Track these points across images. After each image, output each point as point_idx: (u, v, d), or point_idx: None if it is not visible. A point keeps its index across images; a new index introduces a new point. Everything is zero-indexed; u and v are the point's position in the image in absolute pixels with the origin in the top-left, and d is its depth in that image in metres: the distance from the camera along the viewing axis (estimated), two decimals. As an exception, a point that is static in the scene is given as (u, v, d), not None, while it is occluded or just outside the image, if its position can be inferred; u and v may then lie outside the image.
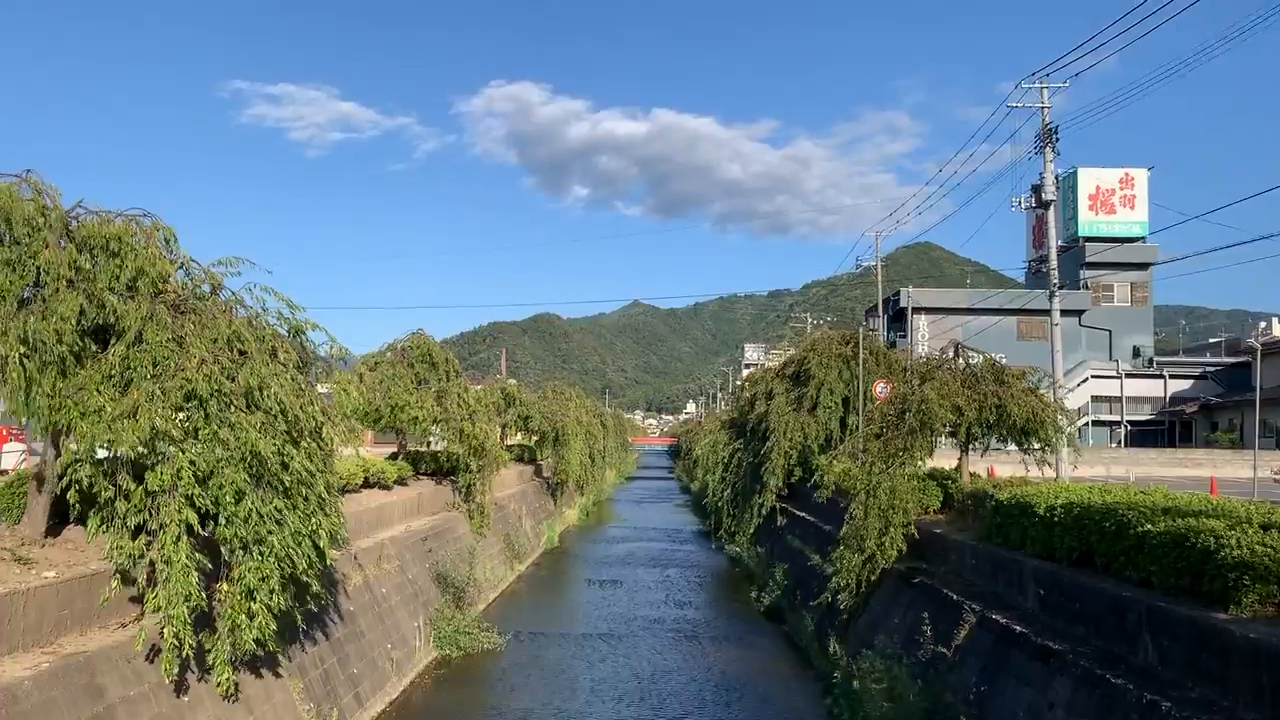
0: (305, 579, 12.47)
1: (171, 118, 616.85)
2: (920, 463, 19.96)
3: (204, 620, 11.47)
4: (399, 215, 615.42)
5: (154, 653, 10.88)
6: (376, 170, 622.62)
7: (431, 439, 30.76)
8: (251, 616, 11.35)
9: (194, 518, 10.86)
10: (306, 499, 12.42)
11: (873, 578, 18.72)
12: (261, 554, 11.45)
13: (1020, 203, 28.49)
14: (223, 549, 11.47)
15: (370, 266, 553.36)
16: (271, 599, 11.47)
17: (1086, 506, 13.05)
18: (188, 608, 10.59)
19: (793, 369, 35.84)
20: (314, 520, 12.44)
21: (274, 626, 11.68)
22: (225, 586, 11.54)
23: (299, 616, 14.03)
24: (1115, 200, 71.46)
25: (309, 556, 12.27)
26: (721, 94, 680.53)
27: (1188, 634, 9.74)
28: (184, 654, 10.68)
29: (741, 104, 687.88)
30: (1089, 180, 70.82)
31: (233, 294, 13.68)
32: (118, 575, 10.97)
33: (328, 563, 13.08)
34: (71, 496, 11.25)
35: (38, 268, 11.68)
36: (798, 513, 32.18)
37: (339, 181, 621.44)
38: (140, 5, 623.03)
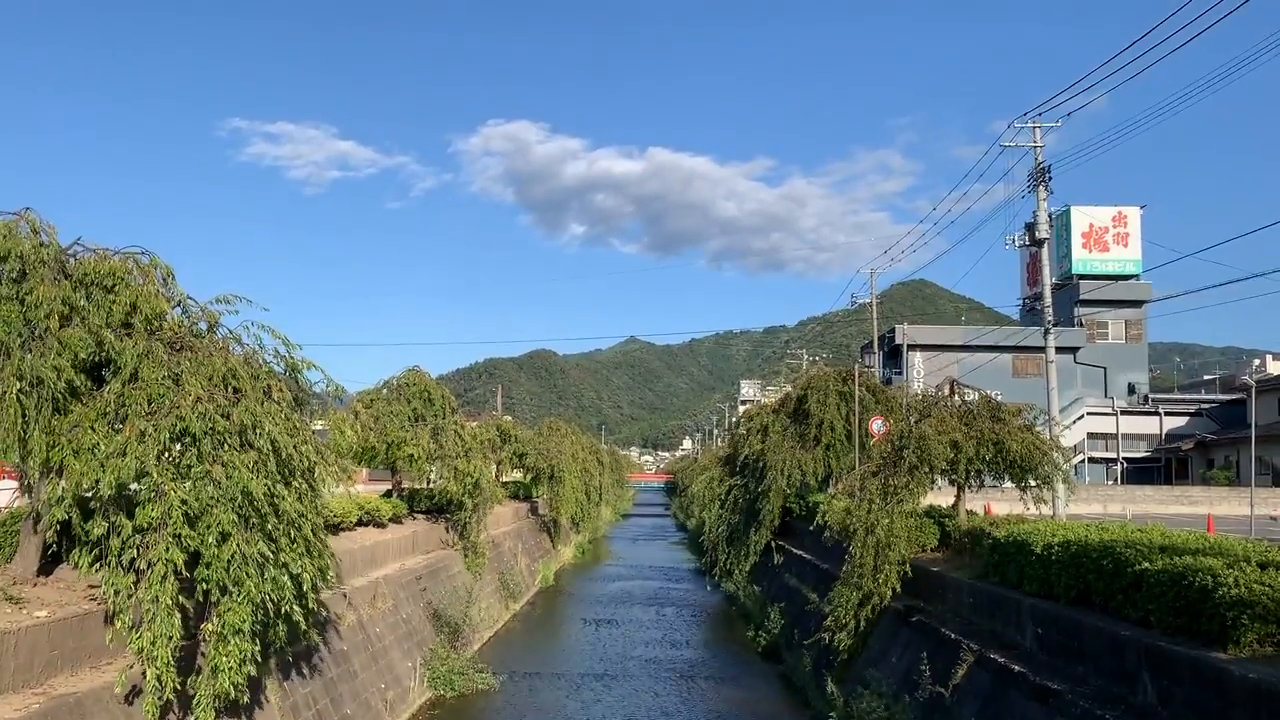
0: (291, 621, 12.28)
1: (171, 156, 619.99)
2: (918, 500, 19.90)
3: (191, 661, 11.33)
4: (396, 253, 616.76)
5: (138, 694, 10.71)
6: (374, 208, 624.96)
7: (430, 476, 30.62)
8: (229, 659, 11.16)
9: (179, 558, 10.73)
10: (294, 541, 12.27)
11: (870, 616, 18.60)
12: (238, 599, 11.21)
13: (1014, 240, 28.69)
14: (198, 588, 11.31)
15: (367, 303, 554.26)
16: (243, 644, 11.20)
17: (1084, 544, 13.00)
18: (170, 649, 10.43)
19: (791, 406, 35.80)
20: (299, 563, 12.29)
21: (250, 671, 11.45)
22: (208, 628, 11.37)
23: (290, 656, 13.88)
24: (1109, 238, 71.98)
25: (290, 599, 12.09)
26: (717, 133, 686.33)
27: (1187, 673, 9.68)
28: (165, 697, 10.46)
29: (736, 143, 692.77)
30: (1082, 218, 71.34)
31: (229, 331, 13.71)
32: (118, 614, 10.79)
33: (309, 605, 12.84)
34: (49, 536, 11.16)
35: (33, 304, 11.70)
36: (795, 550, 32.02)
37: (336, 219, 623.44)
38: (139, 44, 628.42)
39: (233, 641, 11.14)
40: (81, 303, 12.22)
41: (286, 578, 11.97)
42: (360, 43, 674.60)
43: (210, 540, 11.07)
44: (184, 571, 10.91)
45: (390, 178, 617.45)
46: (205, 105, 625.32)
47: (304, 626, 12.73)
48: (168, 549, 10.65)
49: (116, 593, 10.71)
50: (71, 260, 12.68)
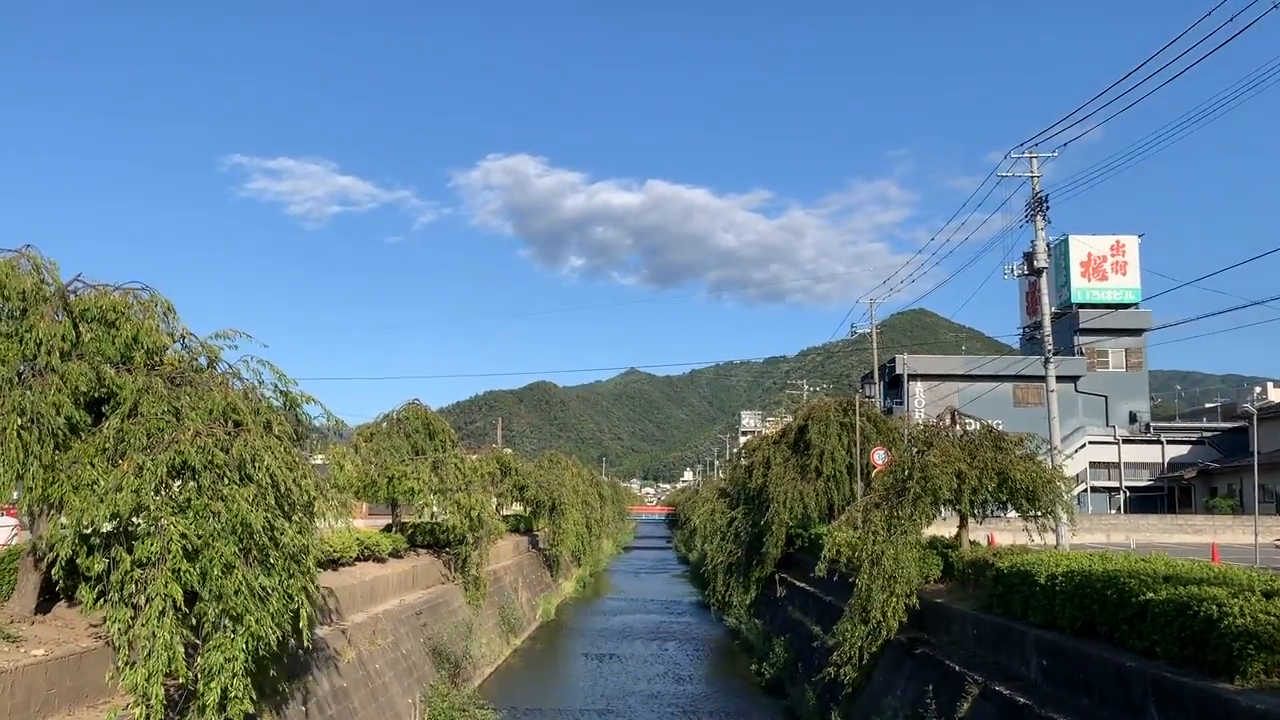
0: (287, 656, 12.14)
1: (173, 192, 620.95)
2: (920, 531, 19.81)
3: (188, 698, 11.20)
4: (396, 286, 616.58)
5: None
6: (375, 242, 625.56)
7: (433, 510, 30.48)
8: (226, 695, 11.01)
9: (178, 592, 10.65)
10: (293, 575, 12.18)
11: (874, 649, 18.45)
12: (235, 632, 11.09)
13: (1012, 270, 28.76)
14: (192, 620, 11.20)
15: (367, 338, 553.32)
16: (236, 681, 11.03)
17: (1087, 575, 12.93)
18: (164, 687, 10.31)
19: (792, 436, 35.74)
20: (299, 598, 12.18)
21: (248, 708, 11.29)
22: (202, 662, 11.25)
23: (288, 693, 13.72)
24: (1107, 267, 72.16)
25: (287, 632, 11.95)
26: (715, 165, 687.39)
27: (1194, 705, 9.58)
28: None
29: (734, 175, 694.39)
30: (1080, 247, 71.56)
31: (229, 366, 13.73)
32: (119, 650, 10.67)
33: (304, 642, 12.70)
34: (56, 572, 11.09)
35: (35, 341, 11.73)
36: (797, 583, 31.84)
37: (337, 254, 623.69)
38: (140, 81, 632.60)
39: (227, 676, 11.01)
40: (86, 338, 12.27)
41: (289, 610, 11.87)
42: (360, 78, 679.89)
43: (216, 572, 10.99)
44: (184, 607, 10.83)
45: (390, 212, 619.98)
46: (207, 141, 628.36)
47: (271, 672, 12.41)
48: (166, 584, 10.58)
49: (120, 630, 10.62)
50: (72, 296, 12.74)
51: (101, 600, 11.05)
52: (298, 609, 12.12)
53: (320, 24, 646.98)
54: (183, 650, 10.54)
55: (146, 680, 10.20)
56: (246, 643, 11.11)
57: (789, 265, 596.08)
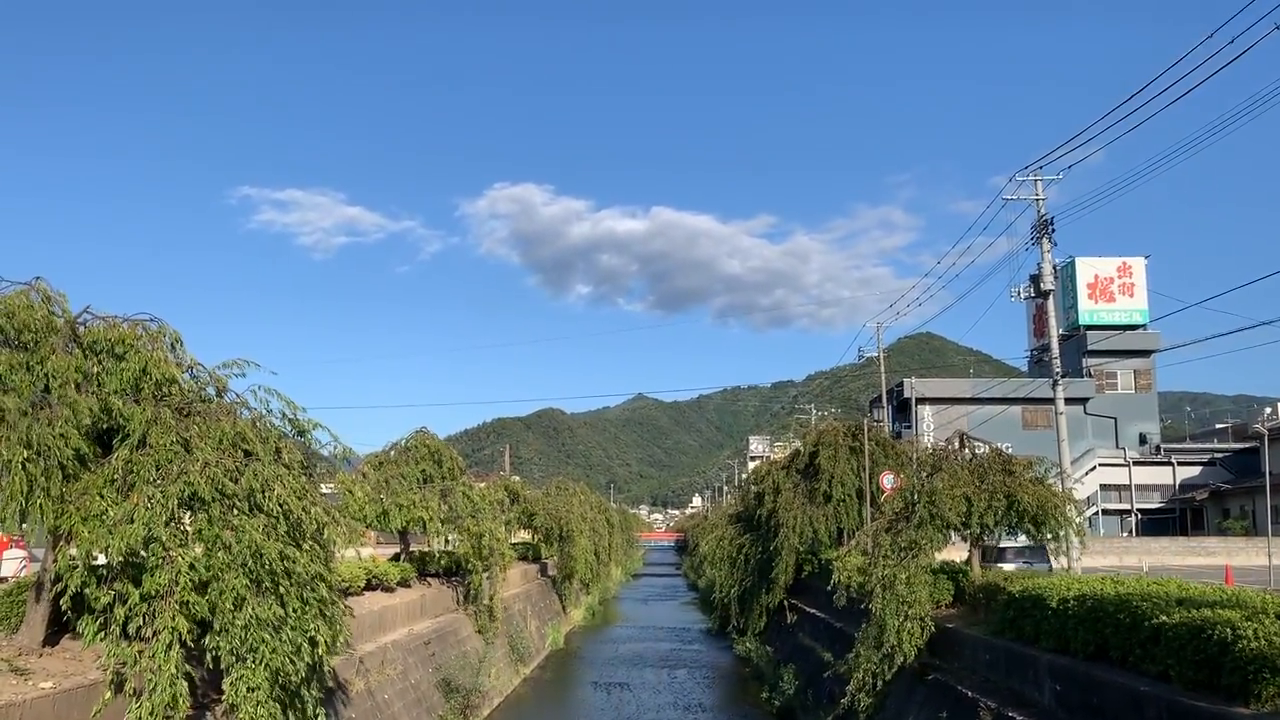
0: (302, 690, 12.12)
1: (181, 224, 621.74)
2: (931, 555, 19.71)
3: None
4: (404, 316, 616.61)
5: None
6: (382, 272, 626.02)
7: (448, 538, 30.34)
8: None
9: (185, 626, 10.63)
10: (308, 604, 12.18)
11: (888, 675, 18.30)
12: (253, 664, 11.10)
13: (1019, 292, 28.77)
14: (207, 657, 11.18)
15: (375, 366, 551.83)
16: (259, 711, 11.06)
17: (1100, 598, 12.85)
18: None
19: (801, 462, 35.63)
20: (315, 626, 12.18)
21: None
22: (228, 693, 11.24)
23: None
24: (1114, 288, 72.07)
25: (307, 664, 11.95)
26: (719, 191, 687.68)
27: (1210, 730, 9.49)
28: None
29: (739, 201, 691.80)
30: (1087, 269, 71.52)
31: (237, 396, 13.77)
32: (112, 685, 10.68)
33: (325, 670, 12.70)
34: (65, 603, 11.09)
35: (46, 373, 11.79)
36: (808, 609, 31.66)
37: (345, 285, 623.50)
38: (147, 116, 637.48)
39: (245, 711, 10.97)
40: (95, 370, 12.33)
41: (304, 641, 11.82)
42: (367, 109, 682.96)
43: (227, 605, 10.98)
44: (188, 641, 10.82)
45: (398, 242, 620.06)
46: (215, 174, 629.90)
47: (313, 696, 12.44)
48: (174, 617, 10.58)
49: (122, 663, 10.61)
50: (82, 328, 12.82)
51: (102, 634, 11.04)
52: (315, 636, 12.11)
53: (326, 56, 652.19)
54: (185, 686, 10.50)
55: (150, 715, 10.19)
56: (272, 674, 11.10)
57: (794, 290, 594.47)
